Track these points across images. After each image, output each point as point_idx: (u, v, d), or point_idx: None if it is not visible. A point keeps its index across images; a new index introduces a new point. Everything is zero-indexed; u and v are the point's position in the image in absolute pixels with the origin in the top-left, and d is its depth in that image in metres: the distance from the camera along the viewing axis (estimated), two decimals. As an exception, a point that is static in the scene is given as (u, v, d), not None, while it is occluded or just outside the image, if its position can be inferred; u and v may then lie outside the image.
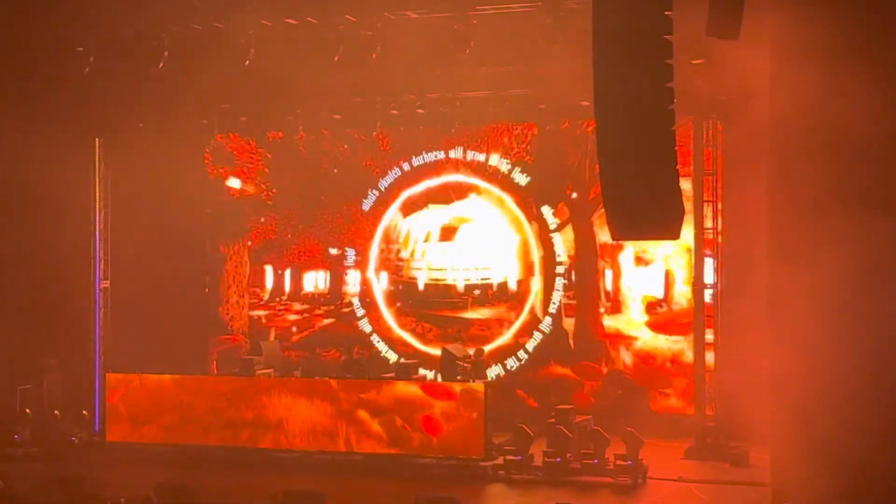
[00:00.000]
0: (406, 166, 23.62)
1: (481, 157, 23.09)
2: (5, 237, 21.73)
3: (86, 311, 22.81)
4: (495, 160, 22.97)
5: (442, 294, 23.40)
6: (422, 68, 19.98)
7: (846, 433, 13.55)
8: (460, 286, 23.19)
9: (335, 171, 23.90)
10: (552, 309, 22.55)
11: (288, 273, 24.57)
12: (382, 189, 23.74)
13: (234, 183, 24.56)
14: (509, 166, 22.83)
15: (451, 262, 23.32)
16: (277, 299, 24.60)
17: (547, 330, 22.59)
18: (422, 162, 23.52)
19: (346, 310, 24.05)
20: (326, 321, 24.23)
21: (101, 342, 22.84)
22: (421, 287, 23.53)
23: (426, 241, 23.53)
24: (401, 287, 23.70)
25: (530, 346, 22.69)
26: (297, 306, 24.46)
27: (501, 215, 22.97)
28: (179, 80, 21.06)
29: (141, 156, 22.91)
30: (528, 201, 22.71)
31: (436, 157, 23.41)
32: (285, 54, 19.77)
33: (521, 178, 22.73)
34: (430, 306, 23.48)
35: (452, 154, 23.27)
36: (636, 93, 10.84)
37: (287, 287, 24.56)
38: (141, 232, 23.29)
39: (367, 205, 23.83)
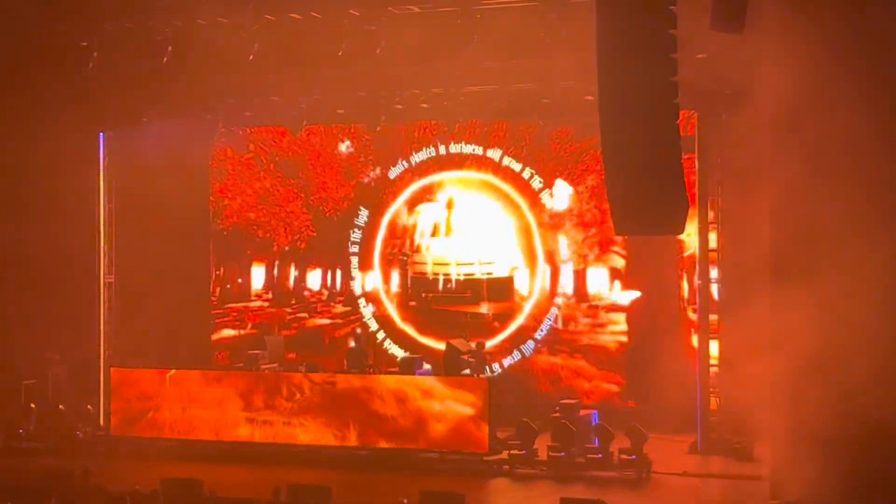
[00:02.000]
0: (410, 161, 23.62)
1: (485, 152, 23.09)
2: (10, 231, 21.74)
3: (90, 306, 22.80)
4: (498, 155, 22.98)
5: (445, 288, 23.41)
6: (426, 63, 19.97)
7: (846, 428, 13.58)
8: (467, 279, 23.23)
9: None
10: (557, 302, 22.58)
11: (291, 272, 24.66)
12: (385, 184, 23.76)
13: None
14: (515, 163, 22.88)
15: (454, 256, 23.32)
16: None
17: (550, 325, 22.61)
18: (426, 156, 23.52)
19: (349, 307, 24.09)
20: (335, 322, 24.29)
21: (106, 336, 22.84)
22: (424, 282, 23.55)
23: (430, 235, 23.53)
24: (404, 281, 23.71)
25: (535, 339, 22.71)
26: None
27: (504, 209, 22.97)
28: (183, 75, 21.06)
29: (145, 150, 22.91)
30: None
31: (439, 151, 23.40)
32: (289, 49, 19.78)
33: (533, 180, 22.80)
34: (435, 301, 23.48)
35: (456, 149, 23.27)
36: (640, 87, 10.85)
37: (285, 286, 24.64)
38: (145, 226, 23.29)
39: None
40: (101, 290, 22.85)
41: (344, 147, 24.06)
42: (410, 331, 23.56)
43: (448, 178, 23.38)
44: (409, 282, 23.67)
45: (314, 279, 24.39)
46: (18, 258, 21.92)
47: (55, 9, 19.81)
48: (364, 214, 23.93)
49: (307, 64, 20.30)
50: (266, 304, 24.68)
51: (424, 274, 23.56)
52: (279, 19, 19.38)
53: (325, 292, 24.25)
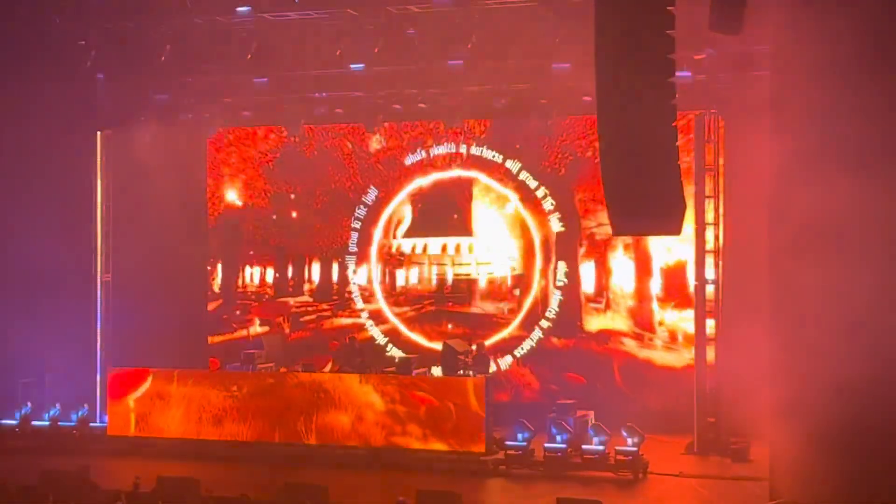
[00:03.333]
0: (408, 161, 23.60)
1: (482, 152, 23.08)
2: (6, 230, 21.71)
3: (87, 305, 22.80)
4: (495, 155, 22.98)
5: (443, 288, 23.41)
6: (423, 63, 19.97)
7: (844, 429, 13.58)
8: (463, 279, 23.24)
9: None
10: (553, 304, 22.58)
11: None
12: (383, 185, 23.74)
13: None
14: (514, 163, 22.88)
15: (451, 256, 23.32)
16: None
17: (549, 325, 22.62)
18: (423, 156, 23.51)
19: (346, 307, 24.07)
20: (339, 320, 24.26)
21: (102, 336, 22.83)
22: (422, 281, 23.55)
23: (427, 235, 23.52)
24: (401, 281, 23.70)
25: (532, 340, 22.71)
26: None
27: (502, 209, 22.98)
28: (181, 74, 21.06)
29: (143, 149, 22.89)
30: (536, 204, 22.77)
31: (437, 151, 23.40)
32: (287, 49, 19.79)
33: (531, 182, 22.77)
34: (432, 300, 23.47)
35: (453, 148, 23.27)
36: (638, 87, 10.85)
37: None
38: (142, 226, 23.27)
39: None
40: (98, 290, 22.85)
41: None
42: (406, 331, 23.56)
43: (447, 179, 23.38)
44: (405, 281, 23.66)
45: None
46: (15, 257, 21.89)
47: (53, 8, 19.79)
48: (365, 206, 23.94)
49: (305, 63, 20.30)
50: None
51: (420, 274, 23.56)
52: (277, 19, 19.38)
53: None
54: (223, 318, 24.84)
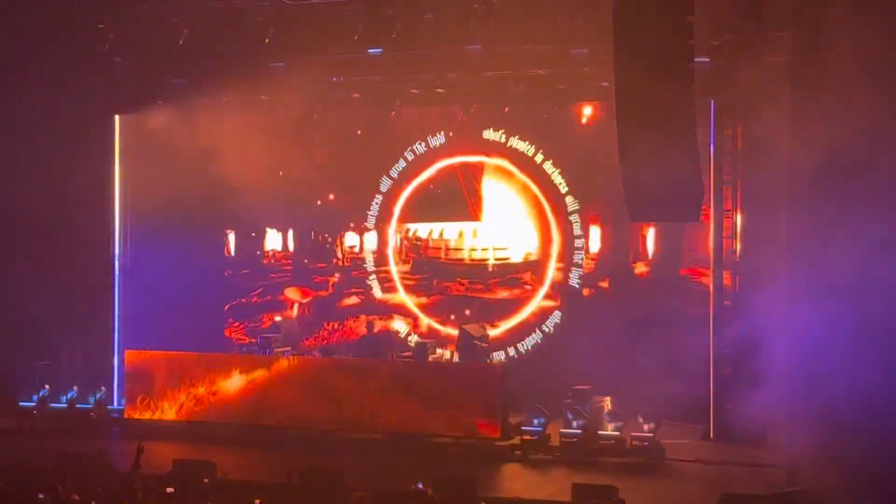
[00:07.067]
0: (423, 146, 23.57)
1: (499, 137, 23.03)
2: (25, 214, 21.78)
3: (105, 287, 22.87)
4: (514, 141, 22.94)
5: (459, 273, 23.39)
6: (441, 47, 19.95)
7: (862, 414, 13.58)
8: (479, 264, 23.24)
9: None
10: (569, 288, 22.56)
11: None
12: (399, 170, 23.72)
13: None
14: (532, 148, 22.82)
15: (468, 241, 23.31)
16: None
17: (563, 312, 22.59)
18: (440, 141, 23.47)
19: (361, 290, 24.07)
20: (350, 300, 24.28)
21: (120, 318, 22.89)
22: (438, 266, 23.54)
23: (443, 220, 23.51)
24: (417, 266, 23.70)
25: (548, 325, 22.70)
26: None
27: (519, 195, 22.95)
28: (199, 58, 21.07)
29: (160, 133, 22.92)
30: (555, 193, 22.74)
31: (454, 136, 23.36)
32: (305, 33, 19.78)
33: (549, 167, 22.72)
34: (447, 286, 23.45)
35: (470, 133, 23.22)
36: (656, 73, 10.84)
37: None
38: (160, 208, 23.29)
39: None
40: (116, 272, 22.91)
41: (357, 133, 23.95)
42: (423, 315, 23.55)
43: (464, 164, 23.35)
44: (421, 266, 23.65)
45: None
46: (34, 240, 21.96)
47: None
48: (381, 191, 23.93)
49: (322, 47, 20.29)
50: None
51: (438, 258, 23.56)
52: (295, 2, 19.37)
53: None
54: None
